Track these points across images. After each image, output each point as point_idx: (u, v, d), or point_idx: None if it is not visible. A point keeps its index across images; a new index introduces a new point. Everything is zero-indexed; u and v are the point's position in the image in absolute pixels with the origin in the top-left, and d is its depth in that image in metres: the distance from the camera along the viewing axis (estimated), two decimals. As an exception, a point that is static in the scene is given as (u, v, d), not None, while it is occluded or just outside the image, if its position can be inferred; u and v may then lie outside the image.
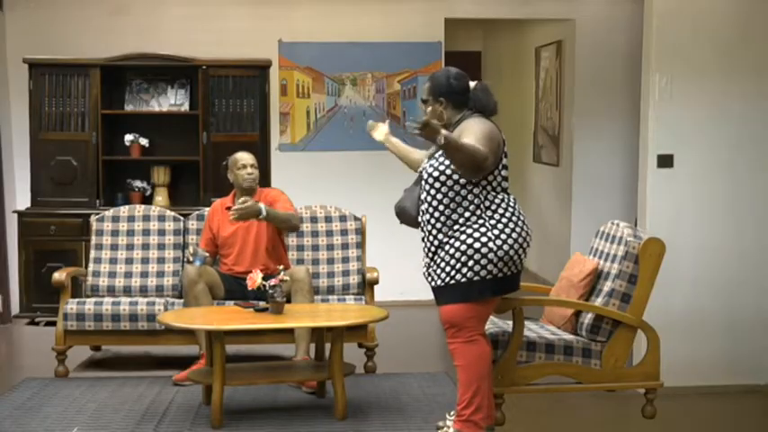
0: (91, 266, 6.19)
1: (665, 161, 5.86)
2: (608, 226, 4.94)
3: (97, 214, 6.38)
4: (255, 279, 5.13)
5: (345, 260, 6.22)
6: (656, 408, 4.74)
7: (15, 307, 7.56)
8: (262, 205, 5.59)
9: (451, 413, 4.74)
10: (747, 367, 6.01)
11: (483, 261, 4.24)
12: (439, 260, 4.33)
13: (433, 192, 4.34)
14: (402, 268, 7.59)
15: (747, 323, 5.98)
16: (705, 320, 5.95)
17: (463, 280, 4.26)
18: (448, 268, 4.29)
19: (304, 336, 5.57)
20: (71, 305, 5.82)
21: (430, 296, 4.57)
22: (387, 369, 5.93)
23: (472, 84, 4.46)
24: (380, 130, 5.04)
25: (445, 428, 4.49)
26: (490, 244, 4.24)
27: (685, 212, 5.91)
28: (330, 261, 6.21)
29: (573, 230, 8.62)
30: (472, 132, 4.23)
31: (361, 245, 6.29)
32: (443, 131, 4.03)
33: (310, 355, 5.61)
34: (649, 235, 4.78)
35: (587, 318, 4.68)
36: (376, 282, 6.02)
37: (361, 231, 6.31)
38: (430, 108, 4.45)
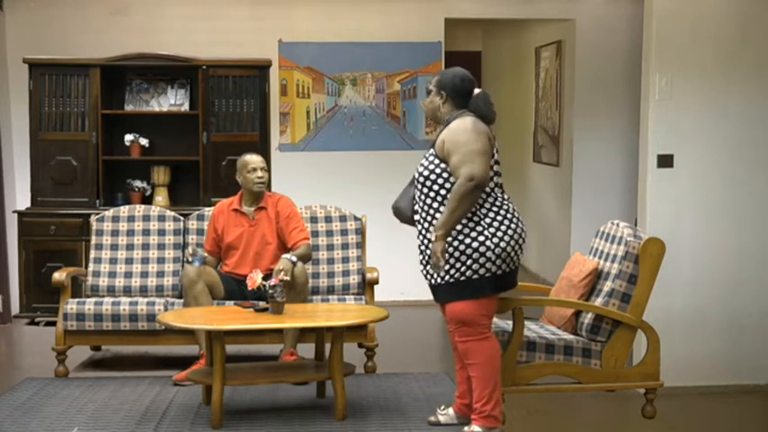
0: (91, 266, 6.18)
1: (665, 161, 5.87)
2: (608, 226, 4.94)
3: (97, 214, 6.37)
4: (255, 279, 5.13)
5: (345, 260, 6.22)
6: (656, 408, 4.75)
7: (15, 307, 7.56)
8: (288, 258, 5.55)
9: (442, 407, 4.78)
10: (747, 367, 6.02)
11: (481, 260, 4.29)
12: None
13: (425, 191, 4.42)
14: (402, 268, 7.59)
15: (747, 323, 5.98)
16: (705, 320, 5.95)
17: (462, 278, 4.32)
18: (446, 266, 4.33)
19: (291, 331, 5.59)
20: (71, 305, 5.82)
21: (430, 296, 4.59)
22: (387, 369, 5.92)
23: (476, 90, 4.51)
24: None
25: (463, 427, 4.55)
26: (487, 242, 4.29)
27: (685, 212, 5.91)
28: (330, 261, 6.20)
29: (573, 230, 8.62)
30: (455, 144, 4.30)
31: (361, 245, 6.29)
32: (432, 236, 4.29)
33: (298, 351, 5.65)
34: (649, 235, 4.79)
35: (587, 318, 4.68)
36: (376, 282, 6.02)
37: (361, 231, 6.31)
38: (428, 99, 4.54)
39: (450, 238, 4.31)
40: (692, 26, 5.84)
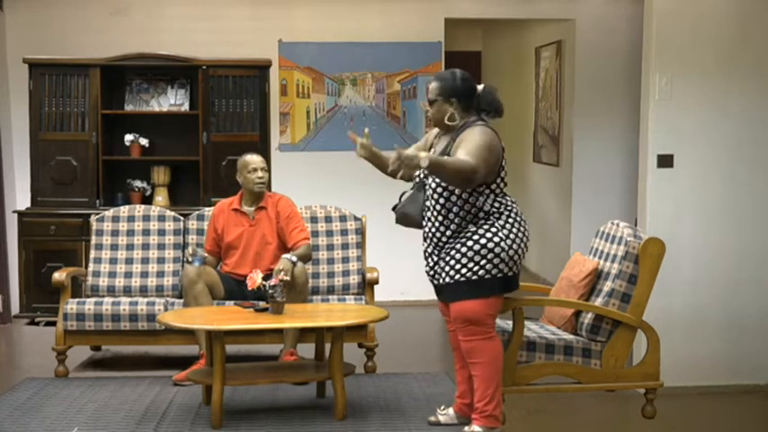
0: (91, 266, 6.18)
1: (665, 161, 5.87)
2: (608, 226, 4.94)
3: (97, 214, 6.37)
4: (255, 279, 5.13)
5: (345, 260, 6.22)
6: (656, 408, 4.75)
7: (15, 307, 7.56)
8: (288, 258, 5.55)
9: (442, 407, 4.79)
10: (747, 367, 6.02)
11: (495, 260, 4.33)
12: (449, 258, 4.39)
13: (445, 195, 4.41)
14: (402, 268, 7.60)
15: (747, 323, 5.98)
16: (705, 320, 5.95)
17: (474, 277, 4.34)
18: (458, 266, 4.36)
19: (291, 331, 5.59)
20: (71, 305, 5.82)
21: (430, 296, 4.59)
22: (387, 369, 5.92)
23: (479, 87, 4.50)
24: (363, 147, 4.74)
25: (462, 427, 4.55)
26: (502, 243, 4.34)
27: (685, 212, 5.91)
28: (330, 261, 6.20)
29: (573, 230, 8.62)
30: (471, 142, 4.28)
31: (361, 245, 6.29)
32: (422, 154, 4.07)
33: (298, 351, 5.65)
34: (649, 235, 4.79)
35: (587, 318, 4.68)
36: (376, 282, 6.02)
37: (361, 231, 6.31)
38: (434, 109, 4.48)
39: (463, 238, 4.36)
40: (692, 26, 5.84)
